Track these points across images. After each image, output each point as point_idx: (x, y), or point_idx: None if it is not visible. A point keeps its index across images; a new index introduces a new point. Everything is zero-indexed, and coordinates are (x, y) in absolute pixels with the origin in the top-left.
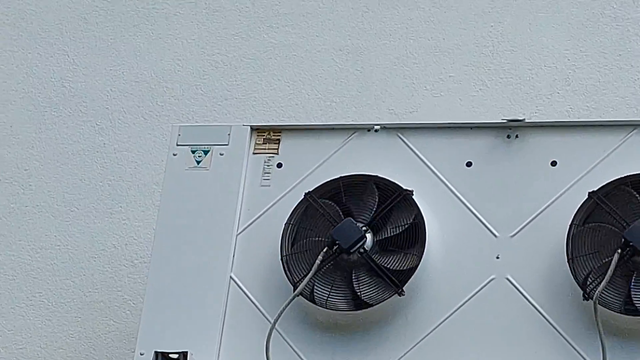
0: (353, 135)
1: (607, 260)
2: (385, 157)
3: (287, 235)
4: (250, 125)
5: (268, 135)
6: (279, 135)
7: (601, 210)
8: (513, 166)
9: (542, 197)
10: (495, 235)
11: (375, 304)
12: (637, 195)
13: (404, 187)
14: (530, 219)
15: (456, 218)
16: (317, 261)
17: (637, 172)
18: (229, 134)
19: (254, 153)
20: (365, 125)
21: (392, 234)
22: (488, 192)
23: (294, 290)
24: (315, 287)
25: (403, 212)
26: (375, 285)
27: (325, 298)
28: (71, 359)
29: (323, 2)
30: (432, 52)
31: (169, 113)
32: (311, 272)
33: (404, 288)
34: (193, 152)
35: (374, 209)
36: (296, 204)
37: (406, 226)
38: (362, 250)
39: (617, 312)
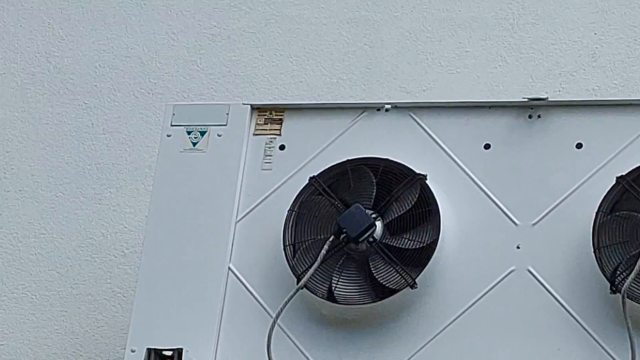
0: (362, 115)
1: (636, 251)
2: (397, 138)
3: (290, 222)
4: (251, 104)
5: (270, 115)
6: (282, 115)
7: (630, 196)
8: (535, 149)
9: (566, 182)
10: (515, 224)
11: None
12: None
13: (417, 172)
14: (553, 206)
15: (473, 205)
16: (323, 251)
17: None
18: (227, 114)
19: (254, 134)
20: (375, 104)
21: (399, 213)
22: (508, 177)
23: (298, 282)
24: (331, 282)
25: (411, 194)
26: (393, 273)
27: (344, 293)
28: (57, 356)
29: None
30: (448, 25)
31: (162, 91)
32: (316, 262)
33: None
34: (189, 133)
35: (384, 195)
36: (300, 189)
37: (414, 202)
38: (371, 239)
39: None
